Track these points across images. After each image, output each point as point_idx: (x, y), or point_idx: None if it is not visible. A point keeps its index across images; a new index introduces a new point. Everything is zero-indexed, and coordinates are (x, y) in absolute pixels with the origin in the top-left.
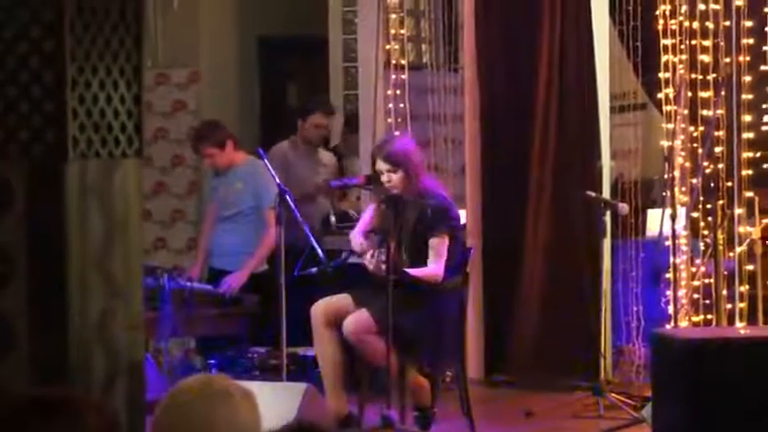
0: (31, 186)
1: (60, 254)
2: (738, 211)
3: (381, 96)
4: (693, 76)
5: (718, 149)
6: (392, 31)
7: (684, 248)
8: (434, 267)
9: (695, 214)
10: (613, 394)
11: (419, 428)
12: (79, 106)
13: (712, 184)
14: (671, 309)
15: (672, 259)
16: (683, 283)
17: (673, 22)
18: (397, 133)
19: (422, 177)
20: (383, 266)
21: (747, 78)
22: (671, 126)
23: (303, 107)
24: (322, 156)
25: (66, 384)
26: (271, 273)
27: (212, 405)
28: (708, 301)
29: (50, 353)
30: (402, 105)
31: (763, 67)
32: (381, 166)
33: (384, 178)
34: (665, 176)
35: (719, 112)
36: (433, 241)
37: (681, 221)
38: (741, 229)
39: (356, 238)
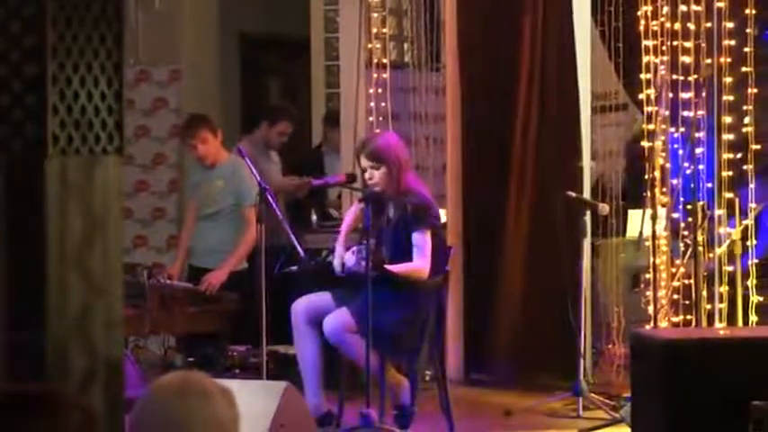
0: (10, 182)
1: (39, 250)
2: (719, 212)
3: (363, 95)
4: (675, 77)
5: (698, 150)
6: (374, 30)
7: (664, 249)
8: (419, 262)
9: (675, 215)
10: (593, 394)
11: (398, 427)
12: (59, 102)
13: (692, 185)
14: (651, 309)
15: (652, 260)
16: (662, 283)
17: (654, 23)
18: (384, 131)
19: (405, 175)
20: (363, 263)
21: (728, 80)
22: (651, 127)
23: (272, 111)
24: (272, 154)
25: (45, 381)
26: (251, 271)
27: (190, 402)
28: (687, 302)
29: (29, 350)
30: (384, 104)
31: (744, 69)
32: (364, 162)
33: (366, 175)
34: (646, 177)
35: (700, 113)
36: (415, 237)
37: (661, 222)
38: (721, 230)
39: (338, 250)
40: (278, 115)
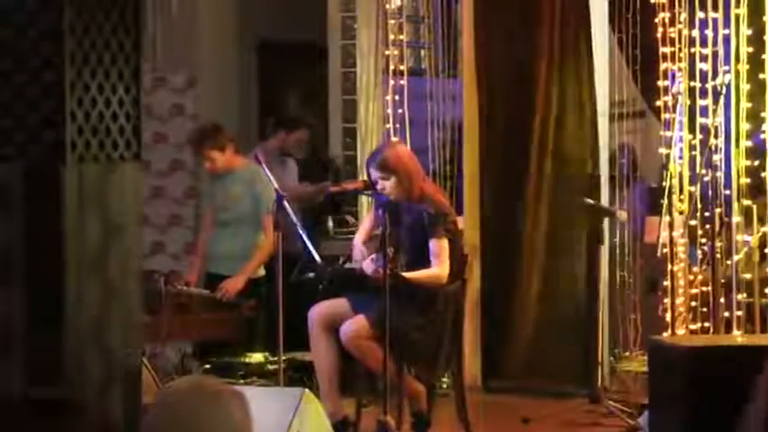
0: (29, 189)
1: (58, 257)
2: (736, 219)
3: (380, 102)
4: (692, 84)
5: (716, 157)
6: (391, 37)
7: (682, 256)
8: (437, 269)
9: (693, 222)
10: (610, 402)
11: None
12: (77, 109)
13: (710, 192)
14: (668, 316)
15: (669, 267)
16: (680, 291)
17: (672, 29)
18: (393, 139)
19: (418, 183)
20: (381, 271)
21: (746, 86)
22: (669, 134)
23: (289, 120)
24: (289, 162)
25: (63, 388)
26: (268, 278)
27: (202, 406)
28: (705, 309)
29: (47, 357)
30: (401, 111)
31: (761, 76)
32: (374, 174)
33: (378, 186)
34: (663, 184)
35: (718, 120)
36: (432, 244)
37: (679, 229)
38: (739, 238)
39: (357, 246)
40: (295, 123)
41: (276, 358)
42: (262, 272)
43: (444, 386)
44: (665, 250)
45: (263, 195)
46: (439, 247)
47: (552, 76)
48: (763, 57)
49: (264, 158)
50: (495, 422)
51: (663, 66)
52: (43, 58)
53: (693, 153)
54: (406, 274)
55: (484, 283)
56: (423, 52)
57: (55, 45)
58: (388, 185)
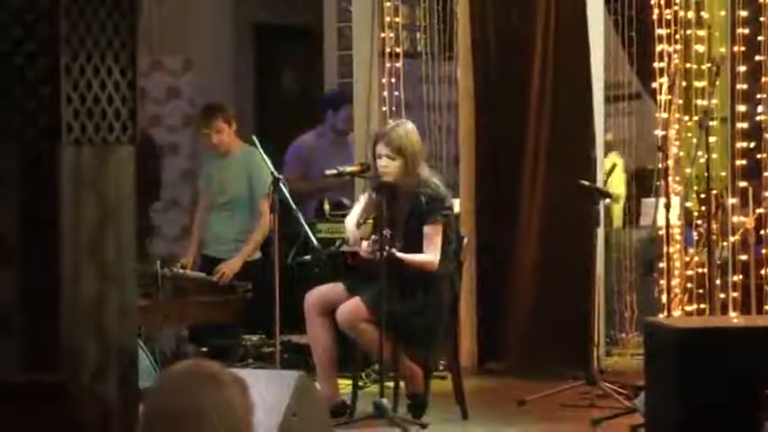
0: (25, 172)
1: (53, 240)
2: (732, 200)
3: (376, 84)
4: (688, 65)
5: (712, 139)
6: (387, 19)
7: (678, 238)
8: (429, 255)
9: (689, 204)
10: (606, 383)
11: (412, 416)
12: (73, 92)
13: (706, 174)
14: (664, 298)
15: (665, 248)
16: (676, 272)
17: (668, 11)
18: (404, 120)
19: (419, 167)
20: (377, 254)
21: (742, 68)
22: (665, 116)
23: (332, 98)
24: (347, 139)
25: (59, 372)
26: (264, 260)
27: (201, 390)
28: (701, 291)
29: (42, 339)
30: (397, 94)
31: (757, 57)
32: (381, 149)
33: (381, 162)
34: (659, 166)
35: (714, 101)
36: (427, 229)
37: (675, 211)
38: (735, 219)
39: (350, 225)
40: (341, 99)
41: (272, 341)
42: (258, 255)
43: (441, 368)
44: (660, 232)
45: (260, 178)
46: (433, 233)
47: (548, 58)
48: (759, 38)
49: (318, 144)
50: (491, 404)
51: (659, 47)
52: (39, 41)
53: (689, 135)
54: (399, 255)
55: (480, 265)
56: (418, 35)
57: (50, 28)
58: (392, 165)
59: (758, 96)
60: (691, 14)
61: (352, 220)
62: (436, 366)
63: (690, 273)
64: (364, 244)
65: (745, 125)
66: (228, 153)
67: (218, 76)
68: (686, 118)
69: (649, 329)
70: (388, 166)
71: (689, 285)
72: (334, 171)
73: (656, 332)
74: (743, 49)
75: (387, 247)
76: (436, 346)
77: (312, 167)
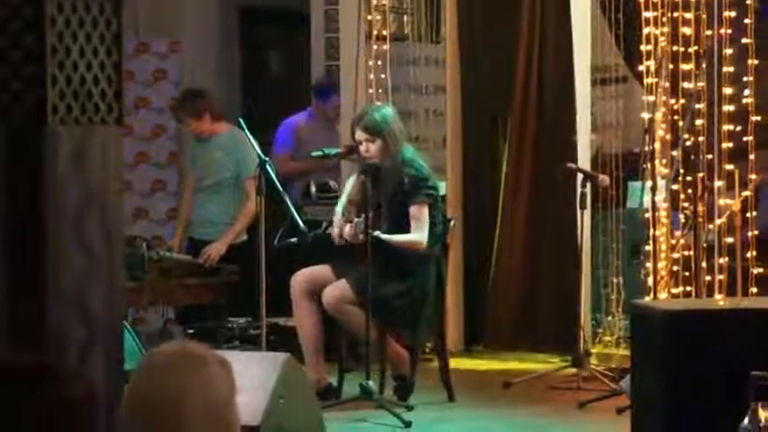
0: (9, 153)
1: (38, 221)
2: (718, 183)
3: (363, 67)
4: (675, 48)
5: (698, 122)
6: (374, 2)
7: (664, 221)
8: (417, 235)
9: (675, 187)
10: (592, 366)
11: (398, 399)
12: (59, 73)
13: (692, 157)
14: (650, 281)
15: (651, 231)
16: (662, 255)
17: None
18: (378, 103)
19: (401, 147)
20: (362, 236)
21: (729, 51)
22: (652, 98)
23: (319, 88)
24: (338, 129)
25: (44, 353)
26: (250, 243)
27: (187, 372)
28: (687, 274)
29: (28, 321)
30: (383, 76)
31: (744, 40)
32: (360, 135)
33: (362, 148)
34: (646, 149)
35: (700, 84)
36: (413, 209)
37: (661, 194)
38: (721, 202)
39: (338, 216)
40: (331, 88)
41: (259, 323)
42: (244, 237)
43: (427, 350)
44: (646, 215)
45: (246, 160)
46: (419, 212)
47: (534, 41)
48: (746, 21)
49: (311, 128)
50: (477, 386)
51: (645, 30)
52: (24, 21)
53: (676, 117)
54: (385, 236)
55: (466, 247)
56: (405, 17)
57: (35, 9)
58: (372, 148)
59: (744, 79)
60: None
61: (340, 209)
62: (423, 349)
63: (676, 255)
64: (347, 227)
65: (731, 108)
66: (213, 136)
67: (205, 59)
68: (672, 101)
69: (636, 312)
70: (369, 150)
71: (675, 268)
72: (320, 153)
73: (641, 315)
74: (729, 31)
75: (369, 230)
76: (422, 328)
77: (302, 148)
